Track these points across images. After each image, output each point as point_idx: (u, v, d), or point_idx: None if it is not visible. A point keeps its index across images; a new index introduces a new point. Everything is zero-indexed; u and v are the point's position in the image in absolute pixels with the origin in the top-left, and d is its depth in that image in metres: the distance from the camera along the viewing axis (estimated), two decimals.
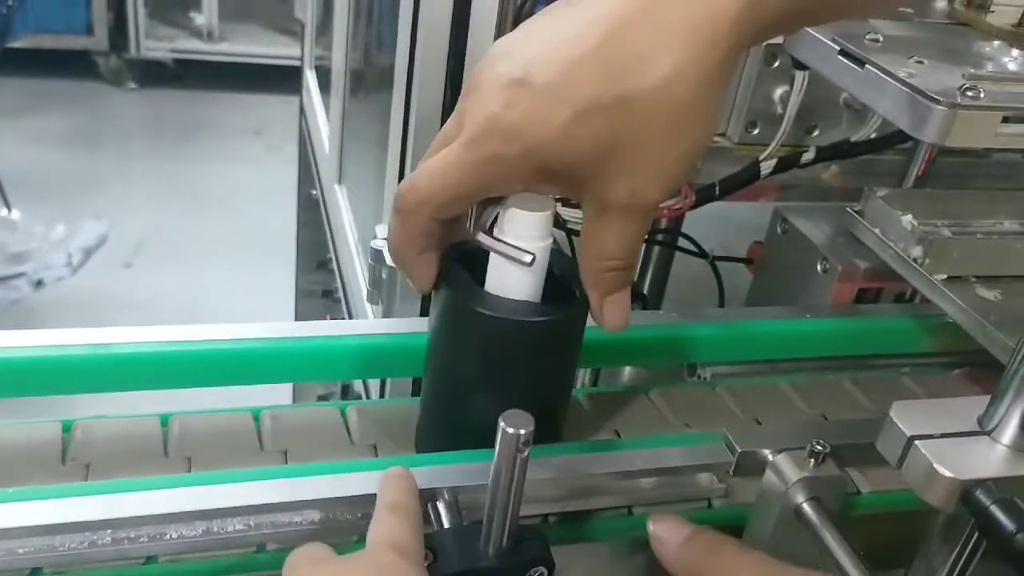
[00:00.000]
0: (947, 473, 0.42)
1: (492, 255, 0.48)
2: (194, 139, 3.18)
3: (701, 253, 0.92)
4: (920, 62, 0.54)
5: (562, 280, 0.50)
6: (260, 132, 3.31)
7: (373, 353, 0.58)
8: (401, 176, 0.82)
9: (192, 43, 3.27)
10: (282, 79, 2.94)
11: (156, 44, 3.26)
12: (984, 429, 0.45)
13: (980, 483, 0.42)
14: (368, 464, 0.51)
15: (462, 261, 0.49)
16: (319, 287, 1.68)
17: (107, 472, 0.50)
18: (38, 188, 2.68)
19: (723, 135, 0.93)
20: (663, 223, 0.95)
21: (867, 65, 0.54)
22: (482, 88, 0.43)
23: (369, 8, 1.25)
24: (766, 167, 0.85)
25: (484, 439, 0.45)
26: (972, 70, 0.54)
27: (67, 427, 0.53)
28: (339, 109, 1.30)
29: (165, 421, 0.54)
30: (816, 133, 0.91)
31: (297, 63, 1.71)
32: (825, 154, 0.84)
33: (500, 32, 0.75)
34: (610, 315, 0.48)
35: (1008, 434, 0.44)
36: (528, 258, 0.47)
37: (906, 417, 0.44)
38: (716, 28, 0.41)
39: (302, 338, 0.57)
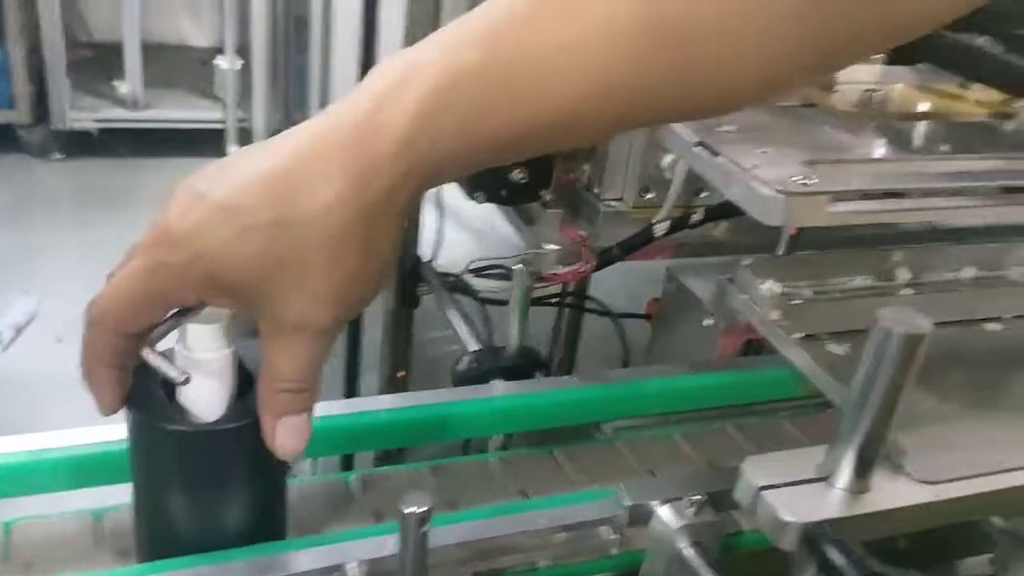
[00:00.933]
0: (788, 518, 0.48)
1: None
2: (123, 207, 3.16)
3: (605, 312, 1.00)
4: (765, 151, 0.62)
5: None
6: None
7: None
8: None
9: (117, 111, 3.27)
10: (209, 142, 2.97)
11: (80, 114, 3.25)
12: (823, 476, 0.52)
13: (817, 526, 0.48)
14: None
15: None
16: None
17: None
18: None
19: (620, 200, 1.01)
20: (571, 286, 1.02)
21: (719, 156, 0.62)
22: (171, 199, 0.45)
23: (286, 67, 1.27)
24: (660, 229, 0.93)
25: (200, 542, 0.51)
26: (809, 156, 0.62)
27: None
28: None
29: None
30: (705, 194, 0.99)
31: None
32: (713, 214, 0.92)
33: None
34: (282, 439, 0.48)
35: (843, 479, 0.51)
36: (181, 378, 0.47)
37: (755, 469, 0.51)
38: (374, 164, 0.43)
39: None
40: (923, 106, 0.77)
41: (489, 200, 0.90)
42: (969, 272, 0.75)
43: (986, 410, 0.61)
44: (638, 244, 1.02)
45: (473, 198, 0.90)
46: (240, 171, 0.45)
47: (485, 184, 0.89)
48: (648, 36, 0.44)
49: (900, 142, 0.69)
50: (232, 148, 1.63)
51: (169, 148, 3.42)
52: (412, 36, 0.73)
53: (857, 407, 0.49)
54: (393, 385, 0.92)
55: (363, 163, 0.44)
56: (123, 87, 3.32)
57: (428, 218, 0.92)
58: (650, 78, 0.45)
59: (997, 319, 0.72)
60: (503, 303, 0.97)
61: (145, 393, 0.49)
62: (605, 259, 1.02)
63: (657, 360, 0.95)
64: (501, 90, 0.45)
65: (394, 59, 0.46)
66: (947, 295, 0.71)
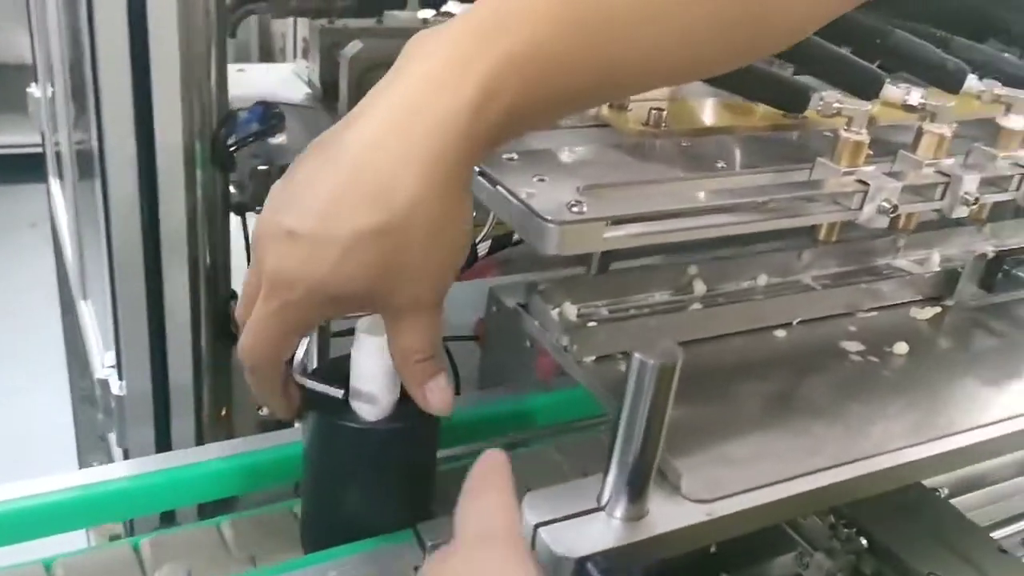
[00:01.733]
0: (562, 553, 0.48)
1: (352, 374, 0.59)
2: (13, 235, 3.06)
3: None
4: (542, 180, 0.62)
5: None
6: (35, 224, 3.18)
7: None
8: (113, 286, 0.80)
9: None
10: (31, 168, 2.85)
11: None
12: (600, 506, 0.52)
13: (590, 558, 0.49)
14: None
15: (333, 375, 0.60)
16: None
17: None
18: None
19: None
20: None
21: (497, 186, 0.61)
22: (264, 241, 0.50)
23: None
24: (482, 248, 0.92)
25: (363, 530, 0.62)
26: (588, 181, 0.63)
27: None
28: (72, 205, 1.26)
29: None
30: None
31: None
32: None
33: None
34: (433, 400, 0.56)
35: (618, 507, 0.52)
36: (339, 394, 0.58)
37: (533, 507, 0.51)
38: (448, 142, 0.47)
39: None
40: (710, 121, 0.79)
41: None
42: (762, 280, 0.78)
43: (770, 419, 0.63)
44: (465, 265, 1.01)
45: None
46: (318, 193, 0.47)
47: None
48: None
49: (683, 160, 0.70)
50: (52, 180, 1.54)
51: (12, 174, 3.26)
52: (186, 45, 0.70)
53: (624, 437, 0.50)
54: (213, 427, 0.88)
55: (437, 148, 0.47)
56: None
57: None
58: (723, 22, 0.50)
59: (787, 324, 0.75)
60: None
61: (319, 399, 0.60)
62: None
63: (487, 382, 0.95)
64: (578, 39, 0.48)
65: (434, 34, 0.49)
66: (739, 305, 0.73)
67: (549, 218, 0.57)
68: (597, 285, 0.72)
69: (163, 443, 0.86)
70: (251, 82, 1.45)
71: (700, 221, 0.63)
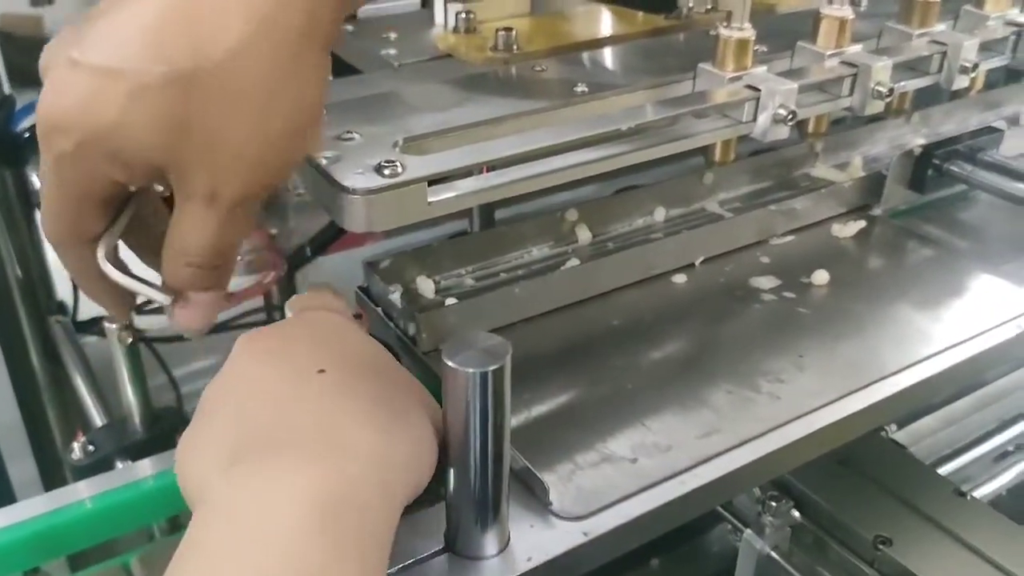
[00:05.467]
0: None
1: None
2: None
3: None
4: (352, 137, 0.50)
5: None
6: None
7: None
8: None
9: None
10: None
11: None
12: (447, 545, 0.41)
13: None
14: None
15: None
16: None
17: None
18: None
19: None
20: (260, 301, 0.89)
21: None
22: (45, 77, 0.38)
23: None
24: None
25: None
26: (410, 132, 0.51)
27: None
28: None
29: None
30: None
31: None
32: None
33: None
34: (181, 314, 0.44)
35: (469, 544, 0.41)
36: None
37: None
38: None
39: None
40: (573, 36, 0.67)
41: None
42: (660, 214, 0.67)
43: (662, 396, 0.52)
44: (334, 235, 0.89)
45: None
46: (118, 24, 0.36)
47: None
48: None
49: (537, 89, 0.58)
50: None
51: None
52: None
53: (457, 459, 0.39)
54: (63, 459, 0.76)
55: None
56: None
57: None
58: None
59: (689, 266, 0.64)
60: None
61: None
62: (298, 259, 0.89)
63: None
64: None
65: None
66: (629, 251, 0.62)
67: (350, 187, 0.45)
68: (461, 248, 0.61)
69: (3, 490, 0.74)
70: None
71: (552, 163, 0.51)
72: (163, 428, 0.62)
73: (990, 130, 0.71)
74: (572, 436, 0.48)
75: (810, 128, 0.69)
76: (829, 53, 0.63)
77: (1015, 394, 0.80)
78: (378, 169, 0.46)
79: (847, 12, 0.62)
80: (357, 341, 0.46)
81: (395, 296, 0.54)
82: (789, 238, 0.67)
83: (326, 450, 0.37)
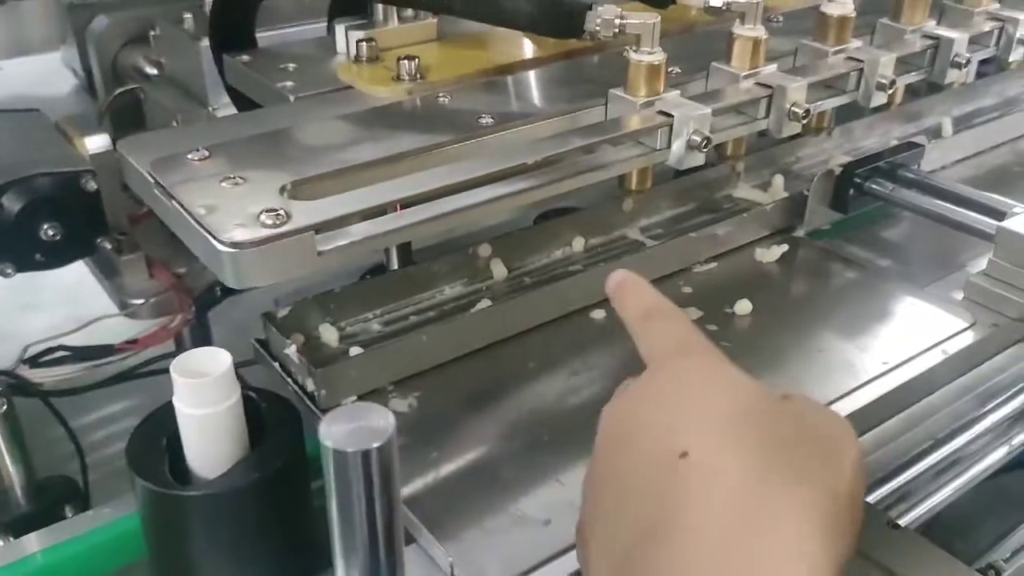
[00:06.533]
0: None
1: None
2: None
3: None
4: (236, 182, 0.46)
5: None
6: None
7: None
8: None
9: None
10: None
11: None
12: None
13: None
14: None
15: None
16: None
17: None
18: None
19: None
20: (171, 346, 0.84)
21: (173, 200, 0.45)
22: None
23: None
24: None
25: None
26: (297, 174, 0.47)
27: None
28: None
29: None
30: None
31: None
32: None
33: None
34: None
35: None
36: None
37: None
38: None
39: None
40: (482, 62, 0.64)
41: (21, 270, 0.70)
42: (578, 244, 0.64)
43: (576, 445, 0.49)
44: None
45: (1, 272, 0.70)
46: None
47: (10, 249, 0.69)
48: None
49: (440, 121, 0.55)
50: None
51: None
52: None
53: (342, 541, 0.35)
54: None
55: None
56: None
57: None
58: None
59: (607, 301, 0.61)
60: (90, 388, 0.78)
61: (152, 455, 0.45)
62: (208, 300, 0.84)
63: None
64: None
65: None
66: (543, 289, 0.59)
67: (226, 240, 0.42)
68: (368, 291, 0.57)
69: None
70: (7, 81, 1.24)
71: (453, 203, 0.48)
72: (49, 499, 0.57)
73: (911, 145, 0.70)
74: (482, 497, 0.45)
75: (728, 151, 0.67)
76: (744, 74, 0.61)
77: (948, 408, 0.79)
78: (260, 218, 0.43)
79: (760, 32, 0.61)
80: (726, 395, 0.36)
81: (291, 351, 0.51)
82: (711, 265, 0.64)
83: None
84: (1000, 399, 0.60)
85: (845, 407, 0.52)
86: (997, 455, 0.63)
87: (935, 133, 0.77)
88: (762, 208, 0.67)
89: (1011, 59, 0.74)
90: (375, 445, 0.33)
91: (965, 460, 0.62)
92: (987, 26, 0.72)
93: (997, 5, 0.74)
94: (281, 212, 0.43)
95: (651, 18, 0.55)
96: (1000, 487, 0.78)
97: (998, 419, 0.58)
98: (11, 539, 0.54)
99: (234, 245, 0.42)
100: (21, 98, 1.22)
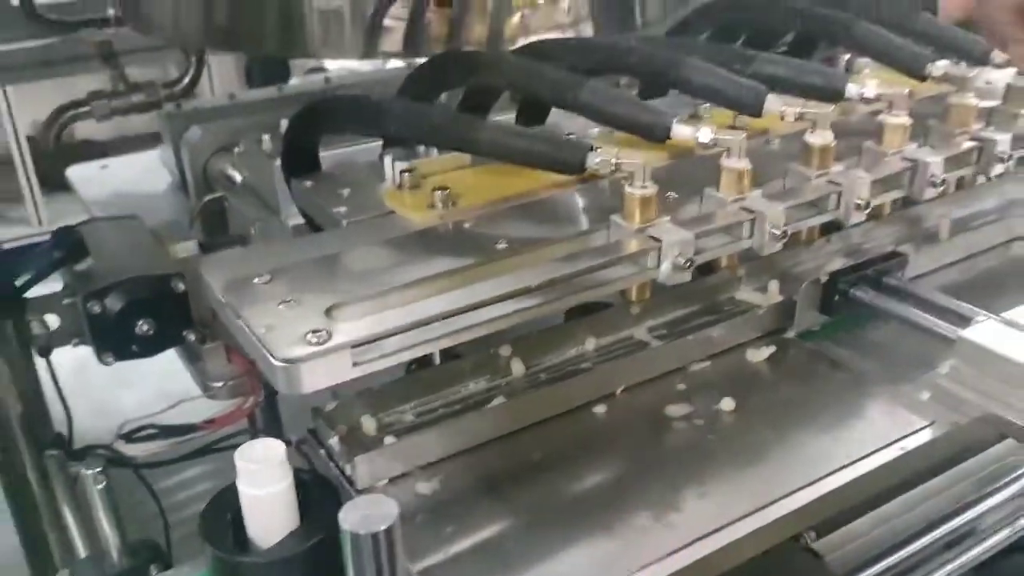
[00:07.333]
0: None
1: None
2: None
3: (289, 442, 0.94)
4: (289, 303, 0.58)
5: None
6: None
7: None
8: None
9: None
10: None
11: None
12: None
13: None
14: None
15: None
16: None
17: None
18: None
19: None
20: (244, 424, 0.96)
21: (240, 319, 0.57)
22: None
23: None
24: None
25: None
26: (340, 297, 0.58)
27: None
28: None
29: None
30: None
31: None
32: None
33: None
34: None
35: None
36: None
37: None
38: None
39: None
40: (504, 189, 0.74)
41: (120, 359, 0.83)
42: (591, 344, 0.73)
43: (564, 529, 0.57)
44: None
45: (103, 360, 0.82)
46: None
47: (111, 342, 0.81)
48: None
49: (463, 246, 0.66)
50: None
51: None
52: None
53: None
54: None
55: None
56: None
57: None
58: None
59: (610, 396, 0.70)
60: (171, 463, 0.90)
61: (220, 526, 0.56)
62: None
63: None
64: None
65: None
66: (558, 385, 0.68)
67: (278, 357, 0.52)
68: (403, 387, 0.67)
69: None
70: (111, 179, 1.41)
71: (471, 318, 0.58)
72: (139, 561, 0.68)
73: (895, 255, 0.77)
74: (488, 570, 0.54)
75: (723, 263, 0.76)
76: (731, 199, 0.70)
77: (948, 491, 0.84)
78: (306, 337, 0.54)
79: (745, 164, 0.70)
80: None
81: (334, 440, 0.61)
82: (705, 363, 0.73)
83: None
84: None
85: (810, 494, 0.59)
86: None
87: (926, 239, 0.84)
88: (756, 311, 0.75)
89: (992, 175, 0.81)
90: (382, 528, 0.43)
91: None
92: (966, 146, 0.80)
93: (980, 125, 0.82)
94: (324, 332, 0.54)
95: (640, 158, 0.65)
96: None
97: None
98: None
99: (285, 361, 0.53)
100: (124, 194, 1.38)
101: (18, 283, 0.79)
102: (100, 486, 0.65)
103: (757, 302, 0.77)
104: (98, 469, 0.65)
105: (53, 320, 0.83)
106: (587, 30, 1.09)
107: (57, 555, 0.82)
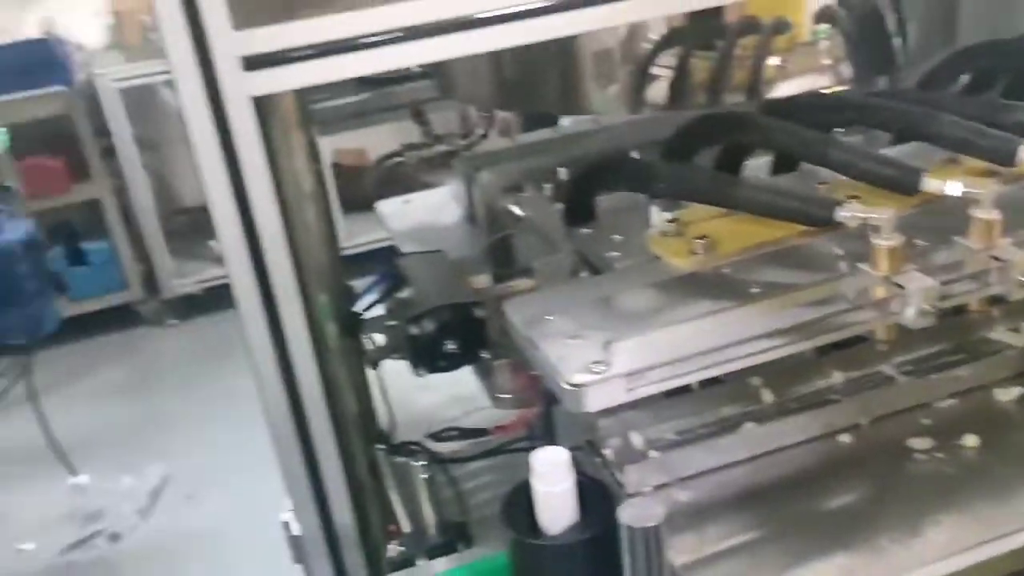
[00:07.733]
0: None
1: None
2: (233, 358, 3.43)
3: None
4: (576, 338, 0.71)
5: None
6: None
7: None
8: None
9: (215, 270, 3.55)
10: None
11: (184, 280, 3.58)
12: None
13: None
14: None
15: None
16: None
17: None
18: (98, 442, 2.94)
19: None
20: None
21: (538, 351, 0.71)
22: None
23: None
24: None
25: None
26: (615, 334, 0.70)
27: None
28: None
29: None
30: None
31: None
32: None
33: None
34: None
35: None
36: None
37: None
38: None
39: None
40: (758, 236, 0.82)
41: (431, 372, 1.00)
42: (839, 377, 0.80)
43: (803, 547, 0.66)
44: None
45: (417, 373, 1.01)
46: None
47: (425, 358, 0.99)
48: None
49: (721, 291, 0.75)
50: None
51: None
52: None
53: None
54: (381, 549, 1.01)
55: None
56: (216, 245, 3.64)
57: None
58: None
59: (856, 426, 0.76)
60: (470, 460, 1.07)
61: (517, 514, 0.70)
62: (553, 397, 1.10)
63: None
64: None
65: None
66: (802, 415, 0.76)
67: (569, 382, 0.66)
68: (667, 409, 0.79)
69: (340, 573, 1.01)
70: (414, 212, 1.63)
71: (726, 355, 0.68)
72: (452, 536, 0.85)
73: None
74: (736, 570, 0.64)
75: (974, 305, 0.79)
76: (979, 248, 0.74)
77: None
78: (590, 367, 0.67)
79: (995, 215, 0.73)
80: None
81: (608, 451, 0.73)
82: (952, 400, 0.77)
83: None
84: None
85: None
86: None
87: None
88: (1009, 351, 0.79)
89: None
90: (651, 524, 0.54)
91: None
92: None
93: None
94: (603, 363, 0.66)
95: (887, 212, 0.71)
96: None
97: None
98: (428, 561, 0.82)
99: (573, 386, 0.66)
100: (424, 226, 1.60)
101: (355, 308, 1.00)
102: (424, 476, 0.82)
103: (1011, 342, 0.80)
104: (423, 463, 0.82)
105: (380, 338, 1.03)
106: (845, 71, 1.14)
107: (379, 528, 1.01)
